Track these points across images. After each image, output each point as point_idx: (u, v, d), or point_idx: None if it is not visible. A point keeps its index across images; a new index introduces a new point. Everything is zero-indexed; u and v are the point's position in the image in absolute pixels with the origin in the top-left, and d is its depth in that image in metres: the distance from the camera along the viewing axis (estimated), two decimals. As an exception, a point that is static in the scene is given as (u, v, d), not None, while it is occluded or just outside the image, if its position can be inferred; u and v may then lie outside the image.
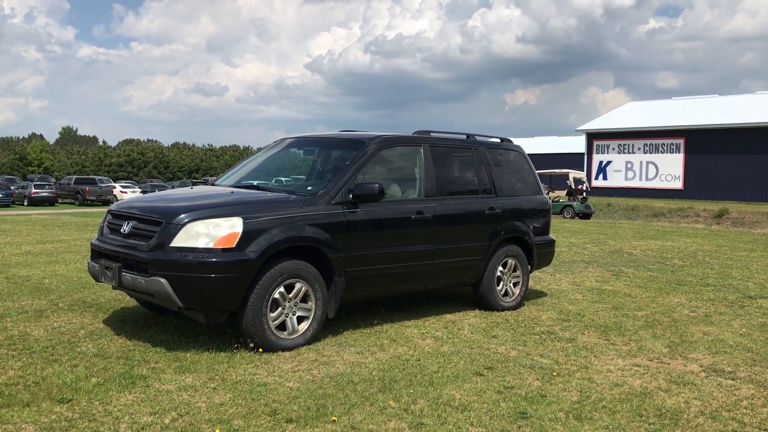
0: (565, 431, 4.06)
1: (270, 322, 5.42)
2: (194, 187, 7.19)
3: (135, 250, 5.41)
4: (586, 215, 28.88)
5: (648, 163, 37.91)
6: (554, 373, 5.14)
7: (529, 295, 8.11)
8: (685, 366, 5.51)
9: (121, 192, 43.58)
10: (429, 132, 7.06)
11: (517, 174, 7.89)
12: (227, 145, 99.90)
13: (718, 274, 10.71)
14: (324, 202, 5.82)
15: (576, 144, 52.13)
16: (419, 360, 5.37)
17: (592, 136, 40.94)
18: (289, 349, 5.48)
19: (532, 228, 7.73)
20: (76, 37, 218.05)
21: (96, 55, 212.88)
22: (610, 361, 5.57)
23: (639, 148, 38.18)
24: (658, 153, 37.40)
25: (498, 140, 7.92)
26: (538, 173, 8.26)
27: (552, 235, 8.24)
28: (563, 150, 59.98)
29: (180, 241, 5.24)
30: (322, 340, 5.81)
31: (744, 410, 4.53)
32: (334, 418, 4.07)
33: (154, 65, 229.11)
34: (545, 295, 8.28)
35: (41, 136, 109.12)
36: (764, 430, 4.20)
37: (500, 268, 7.38)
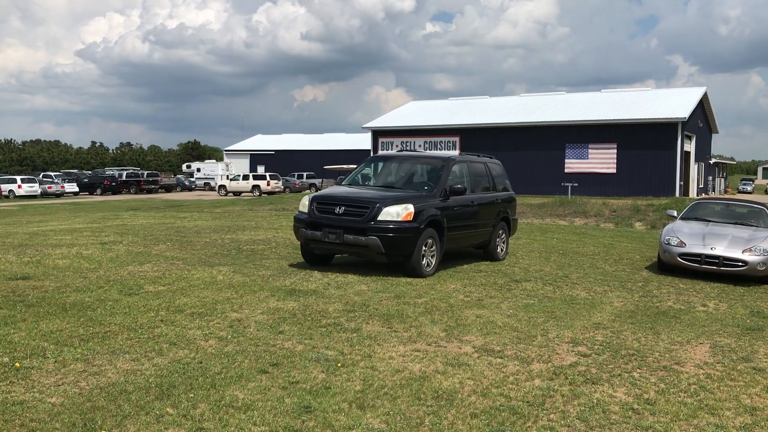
0: (348, 421, 4.10)
1: (422, 261, 9.36)
2: (350, 186, 10.77)
3: (354, 222, 9.19)
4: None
5: (428, 159, 40.11)
6: (339, 364, 5.18)
7: (316, 288, 8.16)
8: (460, 348, 5.85)
9: None
10: (467, 154, 12.18)
11: (501, 178, 12.45)
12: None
13: (489, 260, 11.57)
14: (434, 195, 9.96)
15: (363, 141, 53.79)
16: (201, 362, 5.13)
17: (378, 134, 42.54)
18: (429, 276, 9.44)
19: (510, 211, 12.39)
20: None
21: None
22: (393, 348, 5.75)
23: (420, 145, 40.32)
24: (436, 149, 39.75)
25: (491, 157, 12.61)
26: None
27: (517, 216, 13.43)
28: (351, 147, 61.62)
29: (383, 216, 9.14)
30: (92, 349, 5.35)
31: (510, 386, 4.90)
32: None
33: None
34: (331, 286, 8.36)
35: None
36: (527, 401, 4.57)
37: (497, 235, 11.75)
